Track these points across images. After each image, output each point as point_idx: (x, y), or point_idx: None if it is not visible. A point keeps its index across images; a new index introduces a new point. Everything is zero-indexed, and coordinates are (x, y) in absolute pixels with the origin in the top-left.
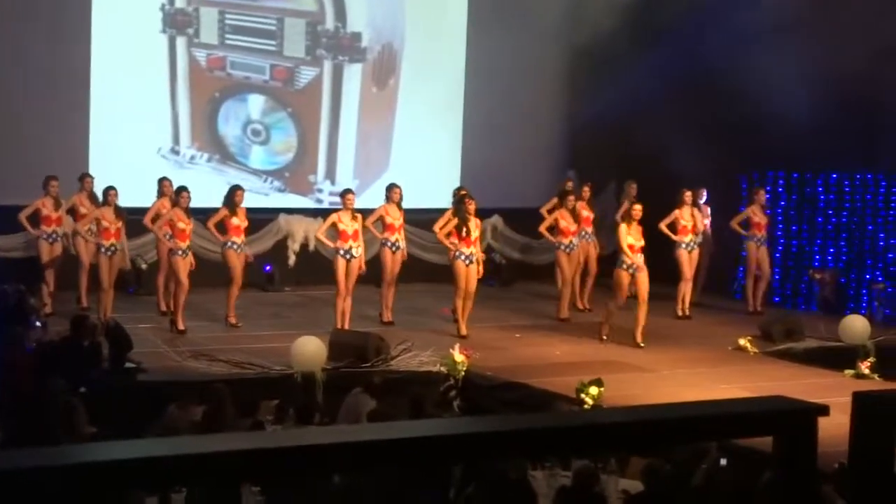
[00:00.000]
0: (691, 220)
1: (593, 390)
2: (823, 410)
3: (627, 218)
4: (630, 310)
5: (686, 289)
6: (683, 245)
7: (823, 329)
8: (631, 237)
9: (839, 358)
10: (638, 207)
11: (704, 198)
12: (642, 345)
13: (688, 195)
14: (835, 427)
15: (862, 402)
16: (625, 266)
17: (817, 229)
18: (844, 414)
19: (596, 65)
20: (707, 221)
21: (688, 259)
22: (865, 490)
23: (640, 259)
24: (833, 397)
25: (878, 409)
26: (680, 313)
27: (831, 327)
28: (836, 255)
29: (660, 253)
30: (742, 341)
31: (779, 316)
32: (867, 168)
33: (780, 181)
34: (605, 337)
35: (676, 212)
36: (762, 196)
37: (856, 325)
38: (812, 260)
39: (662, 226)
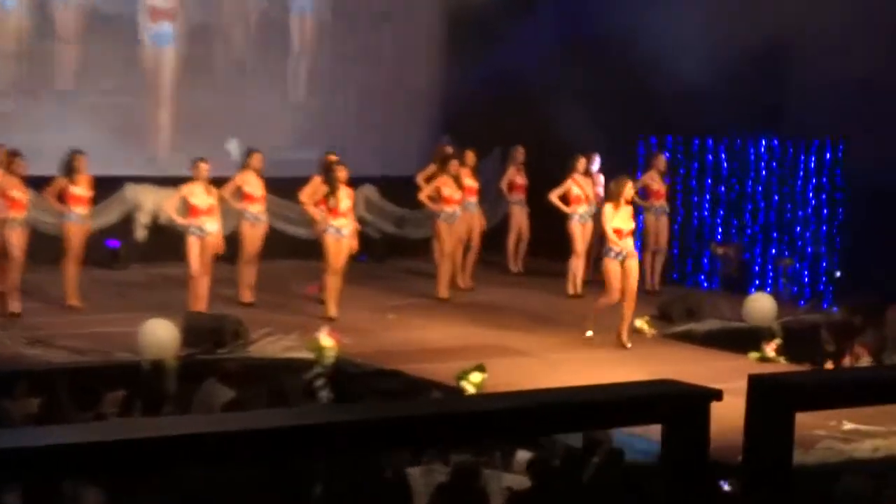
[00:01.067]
0: (584, 190)
1: (475, 377)
2: (716, 395)
3: (614, 197)
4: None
5: (578, 265)
6: (576, 217)
7: (726, 309)
8: (618, 219)
9: (743, 340)
10: (629, 184)
11: (597, 165)
12: (628, 346)
13: (581, 162)
14: (741, 416)
15: (757, 386)
16: (613, 254)
17: (720, 199)
18: None
19: (476, 25)
20: (600, 190)
21: (580, 232)
22: (759, 483)
23: (629, 244)
24: (736, 382)
25: (775, 394)
26: (571, 292)
27: (735, 307)
28: (741, 227)
29: (550, 226)
30: (639, 322)
31: (678, 295)
32: (774, 133)
33: (680, 147)
34: (589, 334)
35: (568, 181)
36: (661, 161)
37: (761, 305)
38: (714, 233)
39: (554, 196)
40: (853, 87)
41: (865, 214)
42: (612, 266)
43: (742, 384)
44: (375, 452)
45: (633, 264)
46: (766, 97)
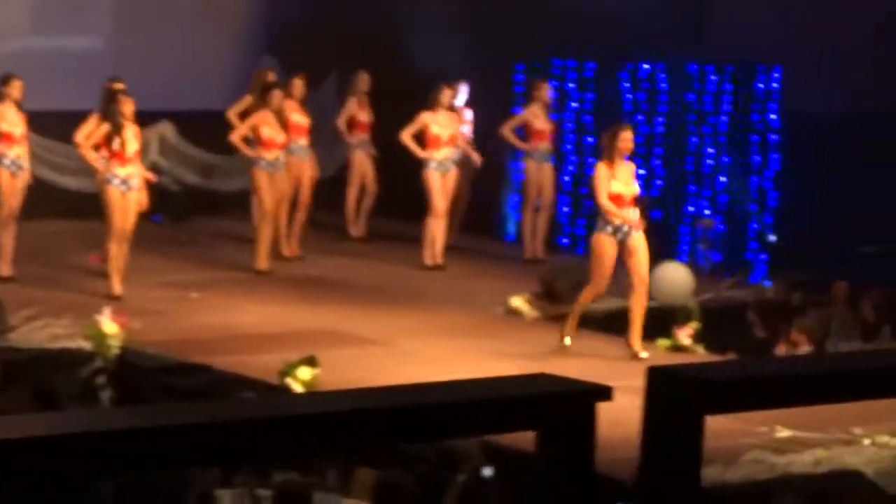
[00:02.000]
0: (447, 129)
1: (304, 373)
2: (603, 394)
3: (608, 151)
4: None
5: (438, 227)
6: (434, 164)
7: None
8: (617, 182)
9: (652, 323)
10: (627, 135)
11: (463, 97)
12: (644, 355)
13: (444, 94)
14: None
15: (658, 382)
16: (609, 229)
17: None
18: None
19: None
20: (466, 130)
21: (440, 185)
22: (656, 499)
23: (633, 216)
24: (638, 377)
25: (679, 391)
26: (429, 262)
27: None
28: (648, 178)
29: (400, 176)
30: (516, 301)
31: (567, 265)
32: (691, 58)
33: (571, 75)
34: (567, 339)
35: (425, 115)
36: (545, 92)
37: (673, 278)
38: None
39: (407, 136)
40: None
41: (807, 163)
42: (606, 242)
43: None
44: (173, 469)
45: (639, 242)
46: (681, 13)
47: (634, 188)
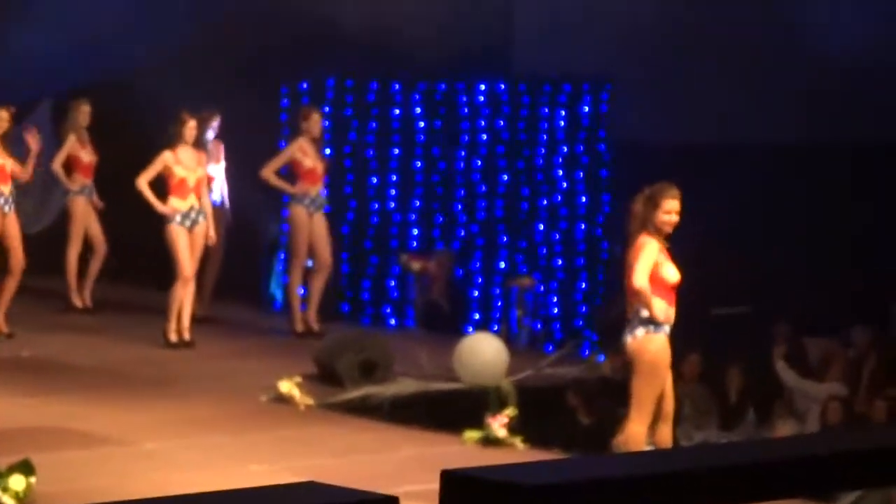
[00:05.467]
0: (194, 171)
1: (16, 483)
2: None
3: (650, 220)
4: None
5: (185, 295)
6: (178, 216)
7: (427, 360)
8: (663, 270)
9: (456, 410)
10: (672, 205)
11: (213, 130)
12: None
13: (188, 127)
14: None
15: (453, 488)
16: (653, 329)
17: (414, 181)
18: None
19: None
20: (219, 169)
21: (187, 241)
22: None
23: (670, 314)
24: (435, 481)
25: (478, 501)
26: (175, 338)
27: (442, 356)
28: (448, 225)
29: (136, 231)
30: (285, 385)
31: (348, 338)
32: (498, 74)
33: (349, 97)
34: None
35: (166, 155)
36: (316, 122)
37: (483, 353)
38: (407, 237)
39: (143, 182)
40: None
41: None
42: (652, 347)
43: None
44: None
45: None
46: (481, 27)
47: (677, 276)
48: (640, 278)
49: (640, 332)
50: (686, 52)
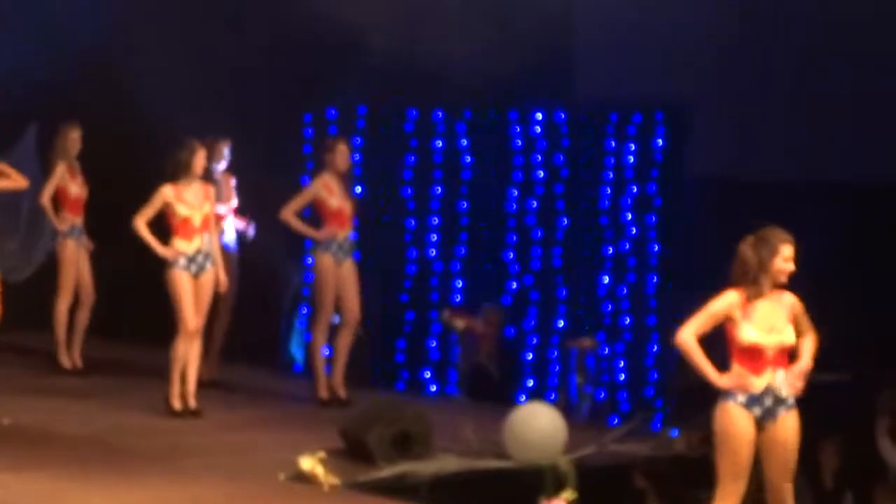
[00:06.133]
0: (199, 209)
1: None
2: None
3: (751, 273)
4: None
5: (190, 354)
6: (182, 261)
7: (472, 433)
8: (756, 325)
9: (506, 492)
10: (790, 251)
11: (225, 161)
12: None
13: (197, 156)
14: None
15: None
16: (740, 399)
17: (459, 225)
18: None
19: None
20: (229, 209)
21: (191, 290)
22: None
23: (779, 380)
24: None
25: None
26: (177, 405)
27: (489, 428)
28: (498, 277)
29: (132, 279)
30: (307, 462)
31: (379, 407)
32: (557, 100)
33: (383, 127)
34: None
35: (167, 191)
36: (344, 154)
37: (537, 426)
38: (449, 289)
39: (141, 222)
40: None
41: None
42: (734, 421)
43: None
44: None
45: (787, 424)
46: (536, 47)
47: (784, 336)
48: (683, 332)
49: (721, 399)
50: (771, 78)
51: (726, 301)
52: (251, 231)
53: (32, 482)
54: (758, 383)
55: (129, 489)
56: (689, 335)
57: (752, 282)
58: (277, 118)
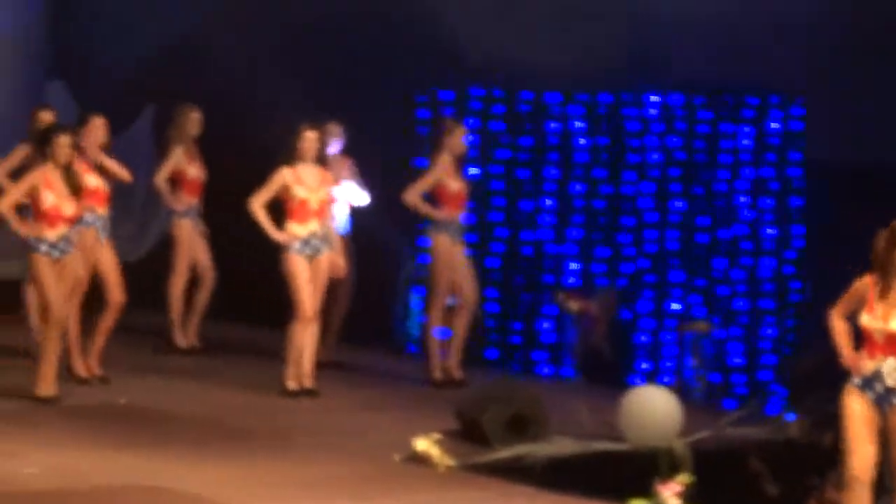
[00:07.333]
0: (316, 191)
1: None
2: None
3: (879, 260)
4: None
5: (307, 336)
6: (298, 245)
7: (587, 416)
8: (870, 313)
9: (621, 474)
10: None
11: (338, 144)
12: None
13: (308, 139)
14: None
15: None
16: (858, 383)
17: (573, 207)
18: None
19: None
20: (342, 192)
21: (308, 274)
22: None
23: (887, 368)
24: None
25: None
26: (293, 385)
27: (604, 411)
28: (613, 260)
29: (251, 261)
30: (423, 443)
31: (496, 389)
32: (672, 83)
33: (497, 109)
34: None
35: (286, 173)
36: (459, 138)
37: (653, 409)
38: (564, 272)
39: (258, 204)
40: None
41: (839, 232)
42: (848, 402)
43: None
44: None
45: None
46: (652, 29)
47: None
48: (832, 312)
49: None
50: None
51: (858, 285)
52: (362, 199)
53: (148, 460)
54: (869, 366)
55: (243, 468)
56: (835, 315)
57: (880, 271)
58: (390, 99)
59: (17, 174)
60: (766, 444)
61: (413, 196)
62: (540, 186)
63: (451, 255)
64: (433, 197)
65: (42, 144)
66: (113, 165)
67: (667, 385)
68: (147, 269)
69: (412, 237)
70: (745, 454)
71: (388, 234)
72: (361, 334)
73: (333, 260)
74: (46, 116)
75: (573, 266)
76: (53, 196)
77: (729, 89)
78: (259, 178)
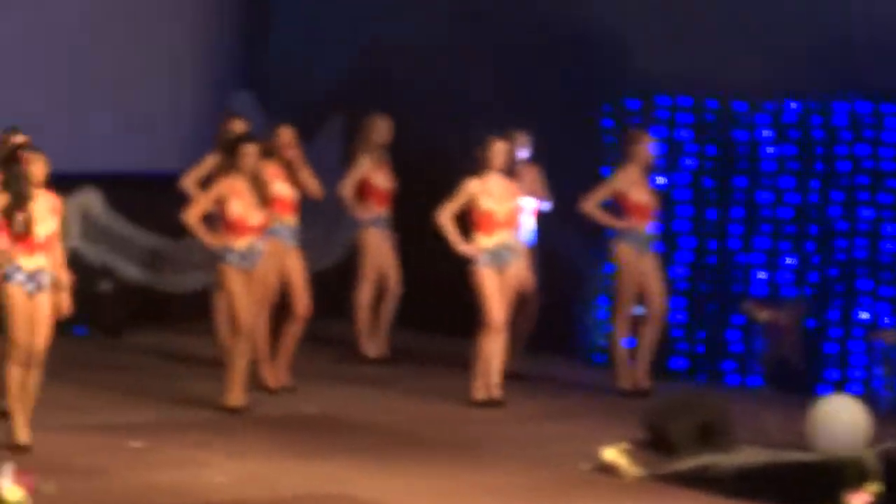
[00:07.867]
0: (503, 203)
1: None
2: None
3: None
4: None
5: (495, 347)
6: (486, 256)
7: (774, 425)
8: None
9: (809, 484)
10: None
11: (525, 152)
12: None
13: (498, 149)
14: None
15: None
16: None
17: (760, 216)
18: None
19: None
20: (533, 201)
21: (497, 285)
22: None
23: None
24: None
25: None
26: (482, 395)
27: (792, 421)
28: (800, 269)
29: (440, 272)
30: (611, 452)
31: (684, 399)
32: (859, 90)
33: (683, 118)
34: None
35: (474, 184)
36: (645, 148)
37: (841, 419)
38: (751, 281)
39: (446, 217)
40: None
41: None
42: None
43: None
44: None
45: None
46: (840, 37)
47: None
48: None
49: None
50: None
51: None
52: (545, 206)
53: (335, 469)
54: None
55: (429, 476)
56: None
57: None
58: (575, 109)
59: (206, 184)
60: None
61: (589, 205)
62: (727, 195)
63: (635, 264)
64: (618, 206)
65: (230, 154)
66: (308, 177)
67: (855, 394)
68: (334, 278)
69: (598, 247)
70: None
71: (574, 244)
72: (548, 343)
73: (521, 273)
74: (237, 126)
75: (760, 275)
76: (241, 205)
77: None
78: (449, 188)
